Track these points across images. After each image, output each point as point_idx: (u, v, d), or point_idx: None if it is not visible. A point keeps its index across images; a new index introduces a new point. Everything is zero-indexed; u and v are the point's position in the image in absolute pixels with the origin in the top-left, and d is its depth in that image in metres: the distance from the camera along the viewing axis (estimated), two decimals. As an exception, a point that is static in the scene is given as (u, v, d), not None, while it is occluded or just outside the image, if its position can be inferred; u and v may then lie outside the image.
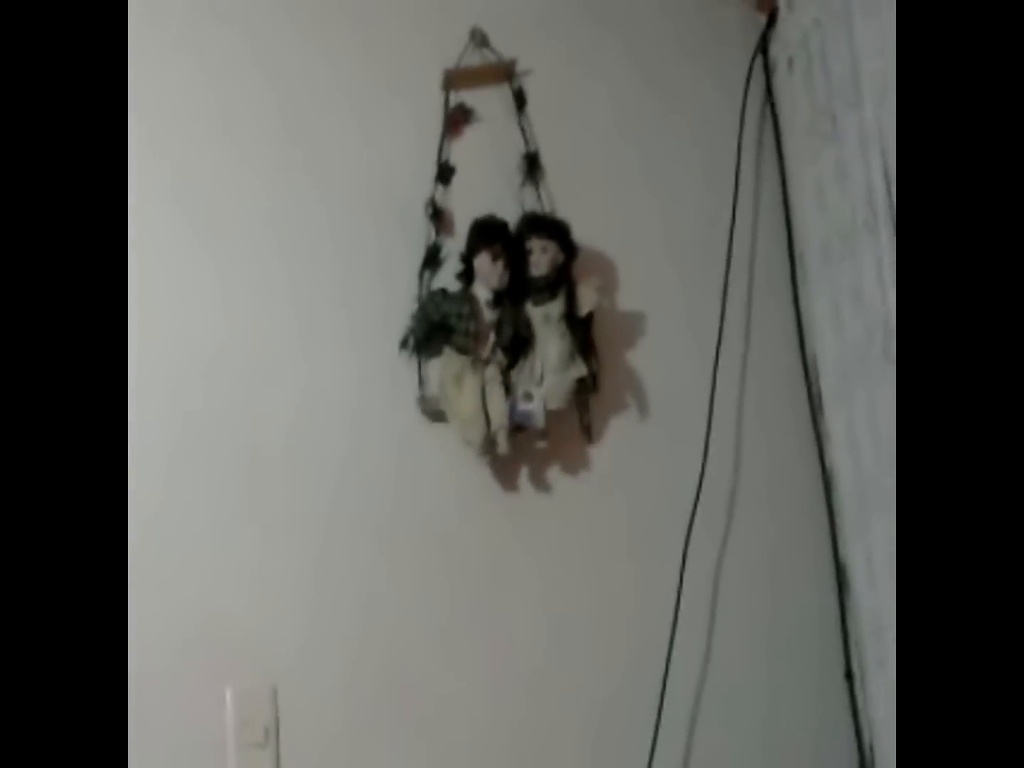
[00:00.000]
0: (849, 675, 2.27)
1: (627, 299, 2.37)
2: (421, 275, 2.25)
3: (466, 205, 2.28)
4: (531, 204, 2.31)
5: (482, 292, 2.23)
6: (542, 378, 2.21)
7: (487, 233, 2.23)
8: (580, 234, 2.28)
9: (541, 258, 2.23)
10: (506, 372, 2.20)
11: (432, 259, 2.26)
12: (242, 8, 2.27)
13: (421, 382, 2.22)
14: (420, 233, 2.26)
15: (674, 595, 2.24)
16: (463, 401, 2.17)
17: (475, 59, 2.36)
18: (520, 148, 2.35)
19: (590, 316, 2.25)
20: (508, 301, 2.23)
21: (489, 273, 2.22)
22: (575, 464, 2.29)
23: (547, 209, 2.32)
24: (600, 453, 2.30)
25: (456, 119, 2.33)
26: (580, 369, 2.22)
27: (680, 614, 2.24)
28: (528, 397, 2.19)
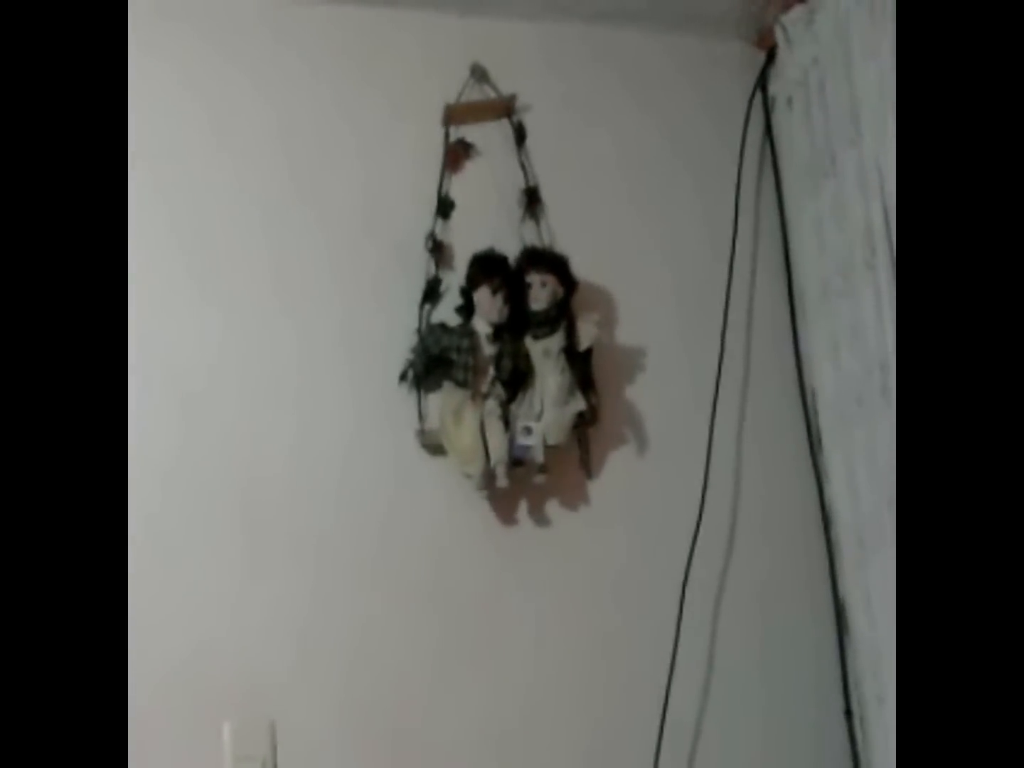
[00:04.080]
0: (848, 712, 2.26)
1: (627, 334, 2.37)
2: (421, 309, 2.25)
3: (466, 239, 2.28)
4: (531, 238, 2.32)
5: (482, 326, 2.23)
6: (541, 412, 2.20)
7: (487, 267, 2.23)
8: (580, 268, 2.28)
9: (541, 292, 2.23)
10: (505, 406, 2.20)
11: (432, 293, 2.26)
12: (245, 43, 2.28)
13: (420, 415, 2.21)
14: (420, 267, 2.27)
15: (672, 630, 2.23)
16: (462, 435, 2.17)
17: (475, 94, 2.37)
18: (520, 183, 2.35)
19: (590, 350, 2.25)
20: (508, 335, 2.23)
21: (489, 307, 2.22)
22: (574, 498, 2.28)
23: (547, 243, 2.32)
24: (599, 488, 2.30)
25: (456, 153, 2.34)
26: (579, 403, 2.22)
27: (678, 650, 2.23)
28: (527, 431, 2.19)
